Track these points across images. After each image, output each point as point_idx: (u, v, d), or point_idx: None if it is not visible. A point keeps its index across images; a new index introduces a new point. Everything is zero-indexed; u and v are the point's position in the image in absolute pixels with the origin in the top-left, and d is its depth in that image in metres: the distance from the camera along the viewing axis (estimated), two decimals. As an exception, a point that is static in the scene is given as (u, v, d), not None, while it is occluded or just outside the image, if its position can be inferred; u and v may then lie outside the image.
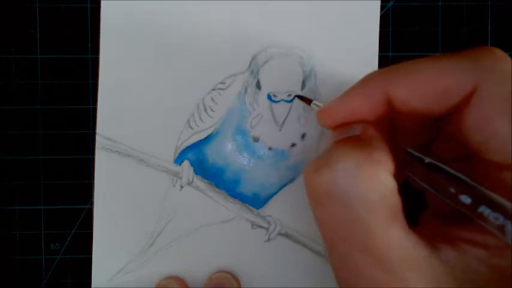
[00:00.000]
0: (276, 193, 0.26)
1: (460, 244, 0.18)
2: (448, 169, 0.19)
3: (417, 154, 0.20)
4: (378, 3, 0.26)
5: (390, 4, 0.27)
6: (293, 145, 0.26)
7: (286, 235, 0.26)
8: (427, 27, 0.27)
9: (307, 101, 0.24)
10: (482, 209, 0.17)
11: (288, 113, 0.25)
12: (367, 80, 0.20)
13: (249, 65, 0.25)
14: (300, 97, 0.25)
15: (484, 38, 0.27)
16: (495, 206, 0.17)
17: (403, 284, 0.16)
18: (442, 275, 0.17)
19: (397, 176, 0.18)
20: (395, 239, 0.17)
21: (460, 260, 0.18)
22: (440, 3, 0.27)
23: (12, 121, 0.26)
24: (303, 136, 0.26)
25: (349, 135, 0.20)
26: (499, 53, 0.18)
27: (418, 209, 0.22)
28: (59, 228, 0.26)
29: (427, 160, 0.19)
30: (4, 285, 0.26)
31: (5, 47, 0.26)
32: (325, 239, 0.19)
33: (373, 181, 0.17)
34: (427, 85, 0.18)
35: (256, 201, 0.26)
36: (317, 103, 0.23)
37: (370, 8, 0.26)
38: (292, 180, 0.26)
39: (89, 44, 0.26)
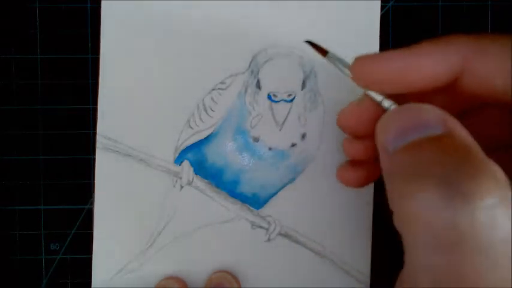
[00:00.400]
0: (276, 193, 0.26)
1: None
2: None
3: None
4: (378, 3, 0.26)
5: (390, 4, 0.27)
6: (293, 145, 0.26)
7: (286, 235, 0.26)
8: (427, 27, 0.27)
9: (322, 51, 0.21)
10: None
11: (288, 113, 0.25)
12: (445, 39, 0.17)
13: (249, 65, 0.25)
14: (312, 44, 0.22)
15: None
16: None
17: None
18: None
19: None
20: None
21: None
22: (440, 3, 0.27)
23: (12, 121, 0.26)
24: (303, 136, 0.26)
25: (430, 134, 0.15)
26: None
27: None
28: (59, 228, 0.26)
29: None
30: (4, 285, 0.26)
31: (5, 47, 0.26)
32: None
33: (509, 211, 0.14)
34: None
35: (256, 201, 0.26)
36: (334, 54, 0.20)
37: (370, 8, 0.26)
38: (292, 180, 0.26)
39: (89, 44, 0.26)
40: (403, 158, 0.15)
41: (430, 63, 0.16)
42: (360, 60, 0.17)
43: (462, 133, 0.15)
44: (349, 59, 0.25)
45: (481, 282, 0.14)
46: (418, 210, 0.14)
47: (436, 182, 0.14)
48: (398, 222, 0.15)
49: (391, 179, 0.15)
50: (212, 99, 0.26)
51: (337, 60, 0.19)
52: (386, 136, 0.16)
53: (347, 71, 0.19)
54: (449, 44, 0.16)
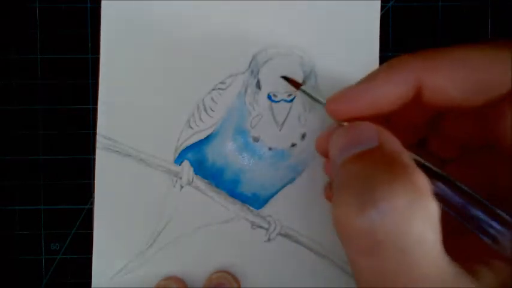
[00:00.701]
0: (276, 193, 0.26)
1: (492, 261, 0.16)
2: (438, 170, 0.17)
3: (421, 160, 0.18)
4: (378, 3, 0.26)
5: (390, 4, 0.27)
6: (293, 145, 0.26)
7: (286, 235, 0.26)
8: (427, 27, 0.27)
9: (296, 84, 0.23)
10: (477, 213, 0.16)
11: (288, 113, 0.25)
12: (397, 64, 0.18)
13: (249, 65, 0.25)
14: (286, 78, 0.24)
15: (484, 38, 0.27)
16: (489, 213, 0.16)
17: None
18: None
19: None
20: (451, 278, 0.15)
21: (498, 280, 0.16)
22: (440, 3, 0.27)
23: (12, 121, 0.26)
24: (303, 136, 0.26)
25: (364, 148, 0.16)
26: None
27: None
28: (59, 228, 0.26)
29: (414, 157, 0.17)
30: (4, 285, 0.26)
31: (5, 47, 0.26)
32: None
33: (426, 220, 0.15)
34: (474, 74, 0.17)
35: (256, 201, 0.26)
36: (304, 89, 0.22)
37: (370, 8, 0.26)
38: (292, 180, 0.26)
39: (89, 44, 0.26)
40: (341, 171, 0.17)
41: (388, 91, 0.17)
42: (331, 102, 0.19)
43: (392, 144, 0.16)
44: (350, 59, 0.25)
45: (401, 282, 0.15)
46: (340, 219, 0.16)
47: (353, 192, 0.15)
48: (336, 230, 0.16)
49: (333, 190, 0.17)
50: (212, 99, 0.26)
51: (309, 94, 0.22)
52: (334, 151, 0.17)
53: (320, 102, 0.21)
54: (401, 68, 0.17)
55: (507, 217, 0.16)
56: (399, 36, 0.27)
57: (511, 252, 0.16)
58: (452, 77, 0.17)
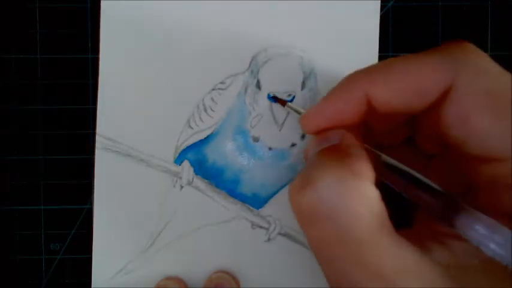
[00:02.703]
0: (276, 193, 0.26)
1: (449, 241, 0.18)
2: (406, 168, 0.19)
3: (376, 151, 0.20)
4: (378, 3, 0.26)
5: (390, 4, 0.27)
6: (293, 145, 0.26)
7: (286, 235, 0.26)
8: (427, 27, 0.27)
9: (282, 102, 0.25)
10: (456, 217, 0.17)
11: (288, 113, 0.25)
12: (347, 82, 0.20)
13: (249, 65, 0.25)
14: (275, 98, 0.25)
15: (484, 38, 0.27)
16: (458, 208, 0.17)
17: None
18: (437, 277, 0.17)
19: (379, 180, 0.18)
20: (386, 248, 0.17)
21: (452, 258, 0.18)
22: (440, 3, 0.27)
23: (12, 121, 0.26)
24: (303, 136, 0.26)
25: (328, 144, 0.19)
26: (472, 47, 0.19)
27: (412, 208, 0.22)
28: (59, 228, 0.26)
29: (383, 158, 0.19)
30: (4, 285, 0.26)
31: (5, 47, 0.26)
32: (318, 259, 0.19)
33: (357, 195, 0.17)
34: (405, 83, 0.18)
35: (256, 201, 0.26)
36: (291, 105, 0.24)
37: (370, 8, 0.26)
38: (292, 180, 0.26)
39: (89, 44, 0.26)
40: (306, 163, 0.20)
41: (342, 107, 0.20)
42: (301, 120, 0.21)
43: (349, 140, 0.19)
44: (349, 60, 0.25)
45: (335, 249, 0.17)
46: (290, 197, 0.19)
47: (301, 175, 0.18)
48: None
49: None
50: (212, 99, 0.26)
51: (295, 109, 0.24)
52: (309, 152, 0.20)
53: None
54: (349, 86, 0.20)
55: (466, 206, 0.17)
56: (399, 36, 0.27)
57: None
58: (389, 89, 0.19)
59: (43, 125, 0.26)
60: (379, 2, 0.26)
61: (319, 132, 0.20)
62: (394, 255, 0.17)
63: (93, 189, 0.26)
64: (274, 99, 0.25)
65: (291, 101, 0.25)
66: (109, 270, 0.26)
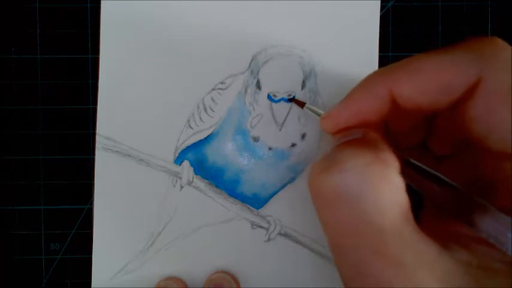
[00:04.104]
0: (276, 193, 0.26)
1: (471, 244, 0.18)
2: (430, 170, 0.19)
3: (411, 160, 0.19)
4: (378, 3, 0.26)
5: (390, 4, 0.27)
6: (293, 145, 0.26)
7: (286, 235, 0.26)
8: (427, 27, 0.27)
9: (300, 104, 0.24)
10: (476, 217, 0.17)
11: (288, 113, 0.25)
12: (370, 81, 0.20)
13: (249, 65, 0.25)
14: (294, 100, 0.25)
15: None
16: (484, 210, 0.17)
17: (416, 283, 0.16)
18: (456, 273, 0.16)
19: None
20: (408, 239, 0.16)
21: (472, 258, 0.17)
22: (440, 3, 0.27)
23: (12, 121, 0.26)
24: (303, 136, 0.26)
25: (351, 138, 0.19)
26: (500, 41, 0.18)
27: (417, 208, 0.21)
28: (59, 228, 0.26)
29: (412, 160, 0.19)
30: (4, 285, 0.26)
31: (5, 47, 0.26)
32: (333, 245, 0.18)
33: (383, 181, 0.17)
34: (431, 80, 0.18)
35: (256, 201, 0.26)
36: (310, 107, 0.24)
37: (370, 8, 0.26)
38: (292, 180, 0.26)
39: (89, 44, 0.26)
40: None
41: (365, 107, 0.19)
42: (322, 120, 0.21)
43: (372, 135, 0.19)
44: (350, 59, 0.25)
45: (354, 232, 0.17)
46: (310, 179, 0.18)
47: (325, 157, 0.18)
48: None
49: None
50: (212, 99, 0.26)
51: (315, 111, 0.23)
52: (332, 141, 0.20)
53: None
54: (372, 84, 0.19)
55: (485, 202, 0.17)
56: (399, 36, 0.27)
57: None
58: (415, 86, 0.19)
59: (43, 125, 0.26)
60: (379, 2, 0.26)
61: (340, 132, 0.20)
62: (415, 247, 0.16)
63: (93, 189, 0.26)
64: (291, 100, 0.25)
65: (291, 101, 0.25)
66: (109, 270, 0.26)
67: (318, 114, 0.23)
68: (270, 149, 0.26)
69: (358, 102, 0.20)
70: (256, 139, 0.26)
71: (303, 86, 0.25)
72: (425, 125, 0.21)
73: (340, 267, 0.18)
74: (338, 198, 0.17)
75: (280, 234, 0.26)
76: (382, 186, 0.17)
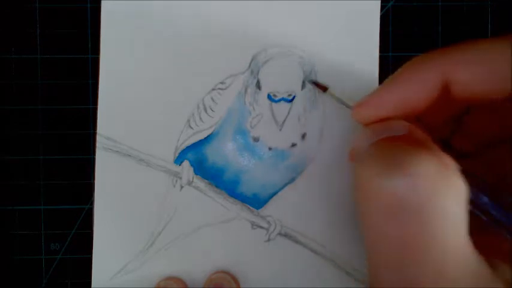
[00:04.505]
0: (276, 193, 0.26)
1: (507, 258, 0.16)
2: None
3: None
4: (378, 3, 0.26)
5: (390, 4, 0.27)
6: (293, 145, 0.26)
7: (286, 235, 0.26)
8: (427, 27, 0.27)
9: (322, 87, 0.23)
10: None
11: (288, 113, 0.25)
12: (420, 62, 0.17)
13: (249, 65, 0.25)
14: (316, 83, 0.24)
15: (484, 38, 0.27)
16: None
17: None
18: None
19: None
20: (468, 261, 0.15)
21: None
22: (440, 3, 0.27)
23: (12, 121, 0.26)
24: (303, 136, 0.26)
25: (393, 134, 0.17)
26: None
27: None
28: (59, 228, 0.26)
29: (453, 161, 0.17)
30: (4, 285, 0.26)
31: (5, 47, 0.26)
32: (388, 260, 0.15)
33: (454, 193, 0.15)
34: (493, 66, 0.16)
35: (256, 201, 0.26)
36: (332, 92, 0.22)
37: (370, 8, 0.26)
38: (292, 180, 0.26)
39: (89, 44, 0.26)
40: (370, 147, 0.17)
41: (414, 91, 0.17)
42: (356, 108, 0.19)
43: (420, 133, 0.17)
44: (349, 59, 0.25)
45: (416, 248, 0.15)
46: (362, 179, 0.16)
47: (380, 157, 0.16)
48: (356, 198, 0.17)
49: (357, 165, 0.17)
50: (212, 99, 0.26)
51: (337, 97, 0.22)
52: (363, 135, 0.18)
53: (347, 106, 0.21)
54: (425, 66, 0.17)
55: None
56: (399, 36, 0.27)
57: None
58: (477, 71, 0.17)
59: (43, 125, 0.26)
60: (379, 2, 0.26)
61: (373, 123, 0.18)
62: (473, 270, 0.15)
63: (93, 189, 0.26)
64: (314, 84, 0.24)
65: (291, 100, 0.25)
66: (109, 270, 0.26)
67: (341, 102, 0.22)
68: (270, 149, 0.26)
69: (404, 86, 0.17)
70: (256, 139, 0.26)
71: (303, 86, 0.25)
72: (455, 121, 0.20)
73: (388, 282, 0.15)
74: (405, 207, 0.15)
75: (280, 234, 0.26)
76: (454, 198, 0.15)
